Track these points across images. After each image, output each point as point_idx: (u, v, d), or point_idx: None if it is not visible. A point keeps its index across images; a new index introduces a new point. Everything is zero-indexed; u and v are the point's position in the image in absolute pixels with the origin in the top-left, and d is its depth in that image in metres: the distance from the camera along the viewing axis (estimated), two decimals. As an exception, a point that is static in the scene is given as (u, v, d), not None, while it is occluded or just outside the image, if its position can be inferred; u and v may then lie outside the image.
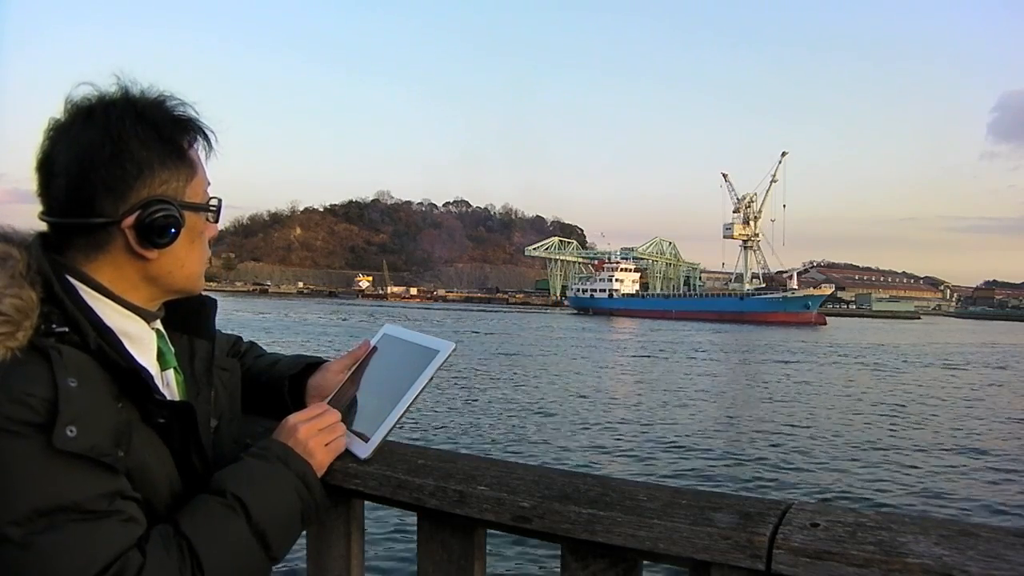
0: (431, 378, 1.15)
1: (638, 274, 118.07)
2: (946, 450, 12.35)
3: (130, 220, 0.93)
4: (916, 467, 10.98)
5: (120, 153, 0.92)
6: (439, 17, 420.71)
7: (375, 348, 1.28)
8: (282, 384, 1.27)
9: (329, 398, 1.21)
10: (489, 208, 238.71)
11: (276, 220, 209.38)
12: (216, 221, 1.07)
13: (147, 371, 0.96)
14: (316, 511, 1.05)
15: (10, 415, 0.79)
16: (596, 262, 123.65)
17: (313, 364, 1.30)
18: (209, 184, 1.05)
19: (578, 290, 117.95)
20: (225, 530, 0.92)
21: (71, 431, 0.80)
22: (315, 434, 1.08)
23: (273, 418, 1.29)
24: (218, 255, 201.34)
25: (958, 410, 17.18)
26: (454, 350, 1.17)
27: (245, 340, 1.38)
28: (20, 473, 0.79)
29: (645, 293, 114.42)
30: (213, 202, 1.05)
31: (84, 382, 0.84)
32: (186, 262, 1.02)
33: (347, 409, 1.19)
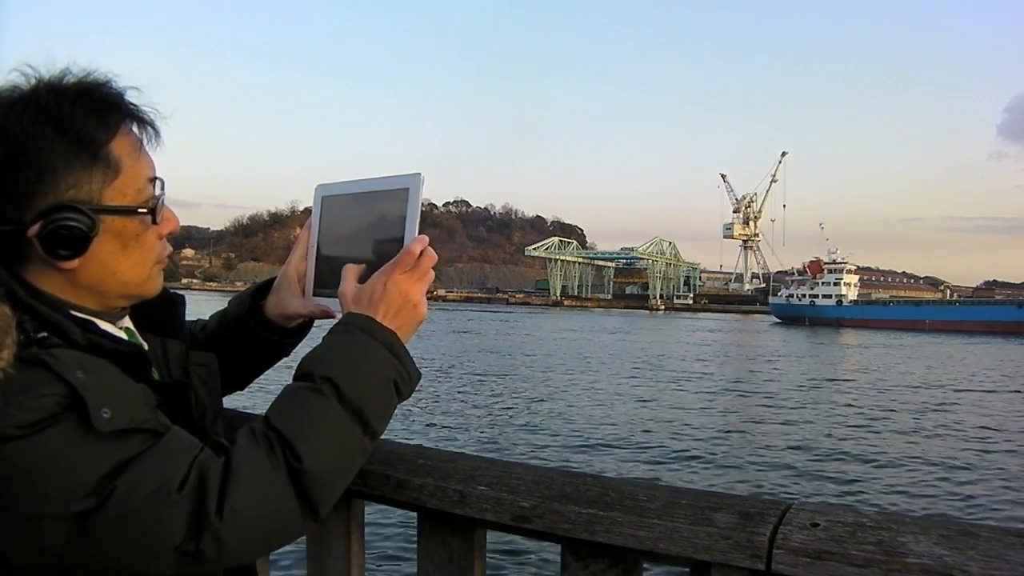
0: (419, 217, 1.03)
1: (857, 276, 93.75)
2: (947, 449, 12.36)
3: (34, 229, 0.84)
4: (917, 467, 10.99)
5: (15, 156, 0.83)
6: (439, 19, 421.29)
7: (321, 216, 1.16)
8: (245, 322, 1.20)
9: (307, 286, 1.15)
10: (489, 208, 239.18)
11: (276, 220, 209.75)
12: (156, 221, 0.94)
13: (145, 351, 0.94)
14: (410, 382, 0.98)
15: (31, 419, 0.75)
16: (812, 262, 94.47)
17: (263, 288, 1.23)
18: (153, 178, 0.94)
19: (789, 295, 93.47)
20: (319, 414, 0.89)
21: (106, 412, 0.77)
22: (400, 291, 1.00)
23: (264, 368, 1.26)
24: (218, 255, 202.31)
25: (959, 409, 17.19)
26: (423, 180, 1.02)
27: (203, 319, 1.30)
28: (71, 453, 0.76)
29: (891, 300, 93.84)
30: (149, 202, 0.93)
31: (91, 371, 0.81)
32: (119, 269, 0.92)
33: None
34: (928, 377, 24.96)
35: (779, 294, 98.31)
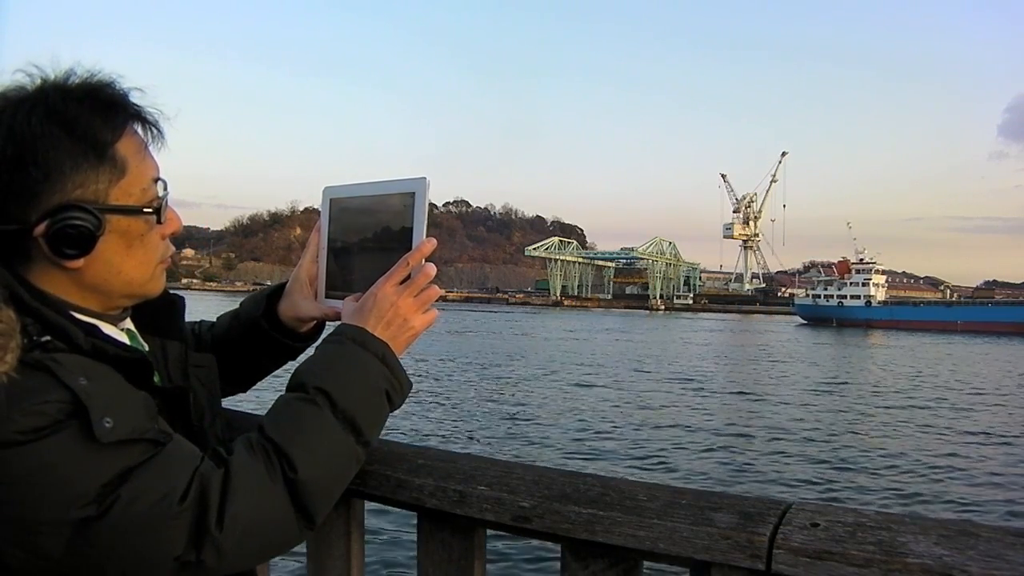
0: (425, 220, 1.05)
1: (885, 277, 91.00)
2: (947, 449, 12.35)
3: (40, 228, 0.85)
4: (917, 467, 10.98)
5: (22, 156, 0.83)
6: (438, 19, 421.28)
7: (331, 219, 1.16)
8: (258, 323, 1.21)
9: (319, 289, 1.17)
10: (489, 208, 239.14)
11: (276, 220, 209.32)
12: (161, 221, 0.95)
13: (147, 357, 0.94)
14: (401, 391, 1.00)
15: (34, 425, 0.75)
16: (839, 263, 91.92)
17: (277, 290, 1.24)
18: (157, 179, 0.95)
19: (816, 296, 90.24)
20: (313, 425, 0.90)
21: (108, 422, 0.78)
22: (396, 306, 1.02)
23: (273, 368, 1.28)
24: (218, 255, 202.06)
25: (960, 408, 17.18)
26: (429, 183, 1.05)
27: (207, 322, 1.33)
28: (73, 461, 0.76)
29: (920, 301, 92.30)
30: (154, 202, 0.94)
31: (94, 378, 0.81)
32: (123, 268, 0.93)
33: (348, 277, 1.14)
34: (954, 378, 24.88)
35: (784, 291, 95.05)
